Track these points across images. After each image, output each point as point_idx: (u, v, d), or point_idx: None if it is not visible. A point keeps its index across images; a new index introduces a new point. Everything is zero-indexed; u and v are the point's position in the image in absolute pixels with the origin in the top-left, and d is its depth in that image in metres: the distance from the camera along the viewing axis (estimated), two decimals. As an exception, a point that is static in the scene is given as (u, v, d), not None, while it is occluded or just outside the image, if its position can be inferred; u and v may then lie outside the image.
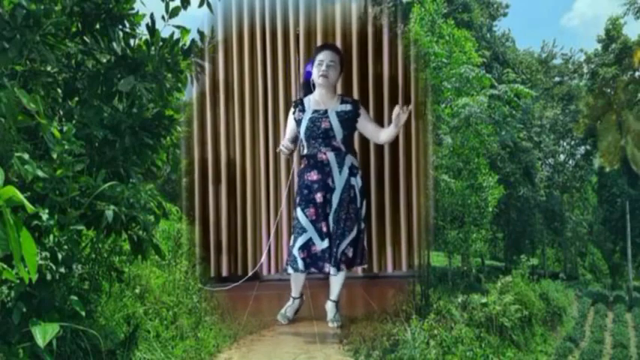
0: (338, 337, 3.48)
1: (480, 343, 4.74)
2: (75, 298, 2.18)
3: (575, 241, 20.64)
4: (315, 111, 3.65)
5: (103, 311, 2.75)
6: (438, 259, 9.75)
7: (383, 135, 3.69)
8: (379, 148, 5.30)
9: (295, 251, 3.61)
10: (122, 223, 2.19)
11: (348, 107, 3.66)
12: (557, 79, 19.36)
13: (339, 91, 5.22)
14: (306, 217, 3.59)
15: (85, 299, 2.39)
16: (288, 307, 3.85)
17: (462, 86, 7.32)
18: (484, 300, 5.99)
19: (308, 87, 3.77)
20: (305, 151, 3.71)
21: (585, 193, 21.52)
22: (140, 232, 2.33)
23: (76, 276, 2.36)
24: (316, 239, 3.59)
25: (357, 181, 3.65)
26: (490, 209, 8.05)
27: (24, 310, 1.96)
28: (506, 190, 11.05)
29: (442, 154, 7.63)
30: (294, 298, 3.86)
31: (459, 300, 5.71)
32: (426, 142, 5.50)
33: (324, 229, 3.57)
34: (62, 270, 2.09)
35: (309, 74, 3.75)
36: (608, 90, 17.05)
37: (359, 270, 5.31)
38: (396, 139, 5.26)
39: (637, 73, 17.01)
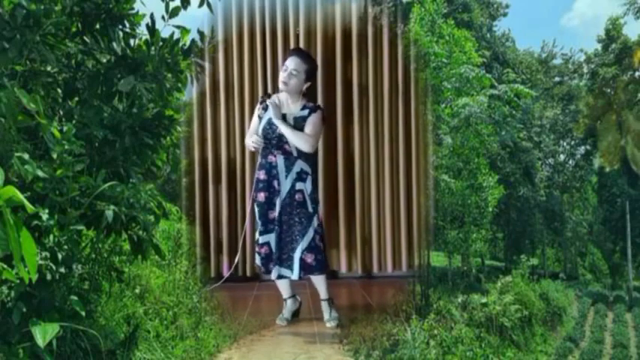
0: (338, 337, 3.49)
1: (480, 343, 4.75)
2: (75, 298, 2.18)
3: (575, 241, 20.64)
4: None
5: (103, 311, 2.75)
6: (438, 259, 9.75)
7: None
8: (379, 148, 5.30)
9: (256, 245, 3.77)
10: (122, 223, 2.19)
11: (305, 113, 3.67)
12: (557, 79, 19.36)
13: (338, 91, 5.26)
14: (258, 212, 3.71)
15: (85, 299, 2.39)
16: (284, 310, 3.89)
17: (462, 86, 7.33)
18: (484, 300, 6.00)
19: None
20: (260, 149, 3.77)
21: (585, 193, 21.52)
22: (140, 232, 2.33)
23: (76, 276, 2.36)
24: (263, 235, 3.69)
25: (305, 187, 3.65)
26: (490, 209, 8.06)
27: (24, 310, 1.96)
28: (506, 190, 11.05)
29: (442, 154, 7.64)
30: (286, 299, 3.90)
31: (459, 300, 5.72)
32: (426, 142, 5.50)
33: (266, 227, 3.67)
34: (62, 270, 2.09)
35: None
36: (608, 90, 17.06)
37: (359, 270, 5.33)
38: (396, 139, 5.29)
39: (637, 73, 17.02)
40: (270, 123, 3.65)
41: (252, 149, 3.73)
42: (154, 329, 2.97)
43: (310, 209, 3.65)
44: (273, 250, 3.66)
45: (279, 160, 3.65)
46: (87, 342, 2.25)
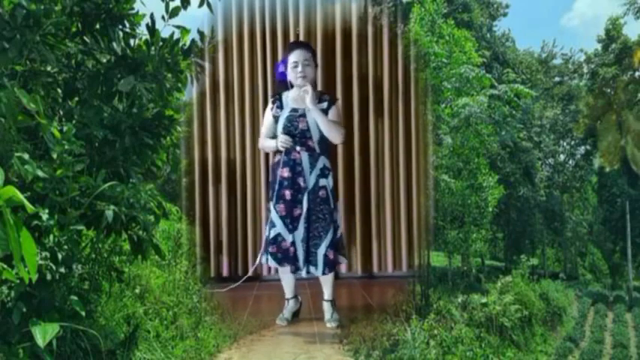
0: (338, 337, 3.48)
1: (480, 343, 4.75)
2: (75, 298, 2.17)
3: (575, 241, 20.62)
4: (294, 110, 3.64)
5: (103, 311, 2.75)
6: (438, 259, 9.75)
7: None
8: (379, 148, 5.31)
9: (267, 244, 3.67)
10: (122, 223, 2.19)
11: (324, 105, 3.64)
12: (557, 79, 19.34)
13: (339, 91, 5.26)
14: (277, 212, 3.63)
15: (85, 299, 2.38)
16: (285, 310, 3.87)
17: (462, 86, 7.33)
18: (484, 300, 5.99)
19: (281, 86, 3.75)
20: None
21: (585, 193, 21.51)
22: (140, 232, 2.33)
23: (76, 276, 2.36)
24: (285, 235, 3.62)
25: (328, 182, 3.64)
26: (490, 209, 8.05)
27: (24, 310, 1.96)
28: (506, 190, 11.04)
29: (442, 154, 7.63)
30: (288, 300, 3.88)
31: (459, 300, 5.71)
32: (426, 142, 5.50)
33: (292, 225, 3.61)
34: (62, 270, 2.09)
35: (282, 75, 3.71)
36: (608, 90, 17.04)
37: (359, 270, 5.33)
38: (396, 139, 5.29)
39: (637, 73, 17.00)
40: (290, 120, 3.61)
41: (282, 149, 3.60)
42: (154, 329, 2.97)
43: (332, 205, 3.64)
44: (299, 247, 3.61)
45: (304, 156, 3.61)
46: (87, 342, 2.25)
